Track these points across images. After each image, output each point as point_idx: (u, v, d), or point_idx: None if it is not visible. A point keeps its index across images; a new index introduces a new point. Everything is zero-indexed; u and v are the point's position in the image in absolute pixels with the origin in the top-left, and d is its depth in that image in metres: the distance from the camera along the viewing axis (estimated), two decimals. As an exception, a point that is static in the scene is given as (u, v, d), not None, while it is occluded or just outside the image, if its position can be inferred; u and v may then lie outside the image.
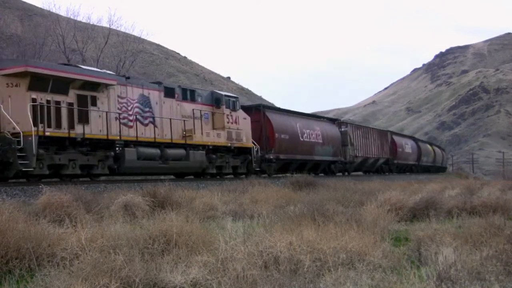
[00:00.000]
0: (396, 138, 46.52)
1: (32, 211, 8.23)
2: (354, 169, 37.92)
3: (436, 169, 62.80)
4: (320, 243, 5.55)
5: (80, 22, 39.42)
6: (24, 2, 57.48)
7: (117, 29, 42.01)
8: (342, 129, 35.41)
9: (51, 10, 40.21)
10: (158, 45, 70.92)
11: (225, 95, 23.99)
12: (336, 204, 9.23)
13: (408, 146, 48.91)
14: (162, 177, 20.29)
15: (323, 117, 40.22)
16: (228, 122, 23.12)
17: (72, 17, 39.00)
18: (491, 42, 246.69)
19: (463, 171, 71.81)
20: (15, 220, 6.25)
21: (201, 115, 21.70)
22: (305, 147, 29.28)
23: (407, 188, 16.91)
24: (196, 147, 21.16)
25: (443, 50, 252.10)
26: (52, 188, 9.28)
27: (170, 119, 20.03)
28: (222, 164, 22.96)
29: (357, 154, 36.46)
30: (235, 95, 26.09)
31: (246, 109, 26.55)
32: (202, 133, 21.54)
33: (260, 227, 6.99)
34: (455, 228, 7.42)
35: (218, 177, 22.96)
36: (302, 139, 29.10)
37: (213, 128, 22.41)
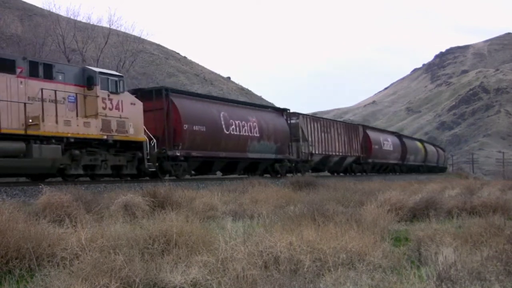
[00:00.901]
0: (371, 133, 40.39)
1: (32, 211, 8.23)
2: (313, 169, 32.21)
3: (429, 169, 57.36)
4: (320, 243, 5.55)
5: (80, 22, 39.43)
6: (24, 2, 57.46)
7: (117, 29, 42.04)
8: (292, 121, 29.20)
9: (51, 10, 40.24)
10: (158, 45, 70.91)
11: (101, 72, 18.15)
12: (336, 204, 9.23)
13: (388, 143, 42.97)
14: (165, 177, 20.27)
15: (267, 107, 33.49)
16: (104, 108, 17.63)
17: (72, 17, 39.03)
18: (491, 42, 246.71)
19: (463, 171, 71.60)
20: (15, 220, 6.25)
21: (57, 97, 16.28)
22: (233, 142, 23.39)
23: (407, 188, 16.91)
24: (46, 139, 15.87)
25: (443, 50, 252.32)
26: (52, 188, 9.28)
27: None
28: (95, 163, 17.68)
29: (314, 151, 30.58)
30: (118, 74, 19.65)
31: (145, 93, 21.38)
32: (57, 121, 16.07)
33: (260, 227, 6.99)
34: (455, 228, 7.42)
35: (89, 179, 18.22)
36: (227, 132, 23.06)
37: (81, 116, 17.07)
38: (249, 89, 77.34)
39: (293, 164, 28.62)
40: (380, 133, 44.67)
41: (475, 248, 5.69)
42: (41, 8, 46.89)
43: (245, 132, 24.35)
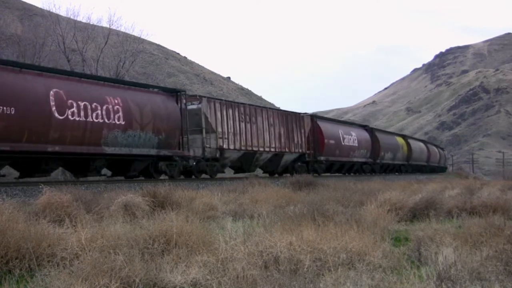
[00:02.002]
0: (324, 125, 32.60)
1: (32, 211, 8.23)
2: (236, 169, 26.73)
3: (418, 168, 51.23)
4: (320, 243, 5.55)
5: (80, 22, 39.41)
6: (24, 2, 57.46)
7: (117, 29, 42.00)
8: (191, 107, 22.11)
9: (51, 10, 40.14)
10: (158, 45, 70.93)
11: None
12: (336, 204, 9.23)
13: (350, 138, 35.05)
14: (162, 177, 20.27)
15: (147, 85, 22.79)
16: None
17: (72, 17, 38.97)
18: (491, 42, 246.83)
19: (463, 171, 71.45)
20: (15, 220, 6.25)
21: None
22: (74, 132, 16.49)
23: (407, 188, 16.91)
24: None
25: (443, 50, 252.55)
26: (52, 188, 9.27)
27: None
28: None
29: (227, 146, 23.34)
30: None
31: None
32: None
33: (260, 227, 6.99)
34: (455, 228, 7.42)
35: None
36: (62, 117, 16.12)
37: None
38: (249, 89, 77.37)
39: (194, 163, 21.95)
40: (339, 125, 36.40)
41: (475, 248, 5.69)
42: (41, 8, 46.86)
43: (97, 118, 17.25)
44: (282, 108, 36.27)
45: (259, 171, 29.80)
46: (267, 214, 8.63)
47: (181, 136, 21.00)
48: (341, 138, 33.88)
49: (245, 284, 4.55)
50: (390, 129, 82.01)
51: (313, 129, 30.89)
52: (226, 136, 23.47)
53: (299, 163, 29.20)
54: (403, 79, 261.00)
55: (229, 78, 79.34)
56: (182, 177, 21.48)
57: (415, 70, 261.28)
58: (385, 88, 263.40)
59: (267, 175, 28.65)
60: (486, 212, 8.96)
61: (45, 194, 8.76)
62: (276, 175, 28.26)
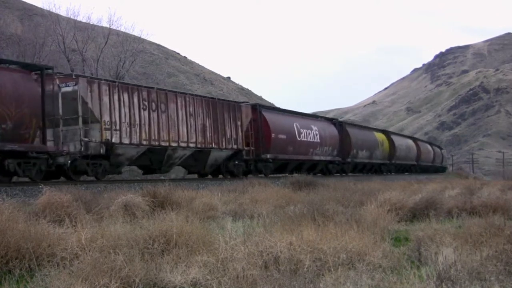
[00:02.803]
0: (271, 116, 26.99)
1: (32, 211, 8.23)
2: (146, 170, 21.88)
3: (406, 168, 47.52)
4: (320, 243, 5.55)
5: (80, 22, 39.41)
6: (24, 2, 57.46)
7: (117, 29, 42.01)
8: (66, 89, 17.16)
9: (51, 10, 40.16)
10: (158, 45, 70.92)
11: None
12: (336, 204, 9.23)
13: (310, 133, 29.70)
14: (162, 177, 20.28)
15: None
16: None
17: (72, 17, 38.99)
18: (491, 42, 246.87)
19: (463, 171, 71.37)
20: (15, 220, 6.25)
21: None
22: None
23: (407, 188, 16.92)
24: None
25: (443, 50, 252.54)
26: (52, 188, 9.28)
27: None
28: None
29: (117, 140, 18.27)
30: None
31: None
32: None
33: (260, 227, 6.99)
34: (455, 228, 7.42)
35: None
36: None
37: None
38: (249, 89, 77.37)
39: (68, 161, 17.35)
40: (294, 118, 30.13)
41: (475, 248, 5.69)
42: (41, 8, 46.85)
43: None
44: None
45: (179, 172, 26.42)
46: (267, 214, 8.63)
47: (43, 126, 16.14)
48: (296, 133, 28.30)
49: (245, 284, 4.55)
50: (390, 129, 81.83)
51: (257, 122, 25.67)
52: (117, 127, 18.27)
53: (236, 162, 24.22)
54: (403, 79, 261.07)
55: (229, 78, 79.33)
56: (66, 178, 17.52)
57: (415, 70, 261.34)
58: (385, 88, 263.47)
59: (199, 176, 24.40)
60: (486, 212, 8.96)
61: (45, 194, 8.76)
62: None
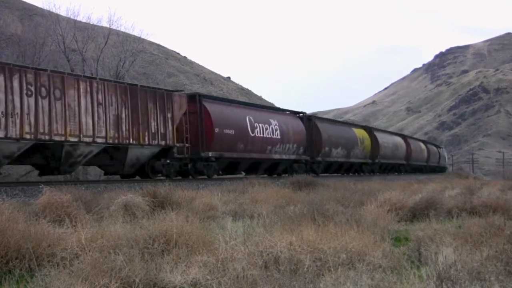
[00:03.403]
0: (214, 108, 22.95)
1: (32, 211, 8.23)
2: (38, 168, 17.69)
3: (394, 168, 44.55)
4: (320, 243, 5.55)
5: (80, 22, 39.40)
6: (24, 2, 57.46)
7: (117, 29, 42.00)
8: None
9: (51, 10, 40.15)
10: (158, 45, 70.93)
11: None
12: (336, 204, 9.23)
13: (268, 128, 25.88)
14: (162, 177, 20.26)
15: None
16: None
17: (72, 17, 38.97)
18: (491, 42, 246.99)
19: (463, 171, 71.30)
20: (15, 220, 6.25)
21: None
22: None
23: (407, 188, 16.92)
24: None
25: (443, 50, 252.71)
26: (52, 188, 9.28)
27: None
28: None
29: None
30: None
31: None
32: None
33: (260, 227, 6.99)
34: (455, 228, 7.42)
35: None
36: None
37: None
38: (249, 89, 77.37)
39: None
40: (247, 110, 25.89)
41: (475, 248, 5.69)
42: (41, 8, 46.85)
43: None
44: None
45: (93, 172, 22.69)
46: (267, 214, 8.63)
47: None
48: (249, 127, 24.49)
49: (245, 284, 4.55)
50: (390, 129, 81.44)
51: (196, 114, 21.98)
52: None
53: (167, 161, 20.57)
54: (403, 79, 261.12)
55: (229, 78, 79.34)
56: None
57: (415, 70, 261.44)
58: (385, 88, 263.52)
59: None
60: (486, 212, 8.96)
61: (45, 194, 8.76)
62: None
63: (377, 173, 39.21)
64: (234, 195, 13.30)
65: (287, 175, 26.90)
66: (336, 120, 40.31)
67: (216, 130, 22.39)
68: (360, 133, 37.37)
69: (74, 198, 9.02)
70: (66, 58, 35.02)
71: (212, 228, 7.42)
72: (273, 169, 27.93)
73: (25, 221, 6.51)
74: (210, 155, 22.19)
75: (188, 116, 21.44)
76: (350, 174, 36.91)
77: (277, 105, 61.03)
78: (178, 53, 76.92)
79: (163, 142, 19.85)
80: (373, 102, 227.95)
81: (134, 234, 5.94)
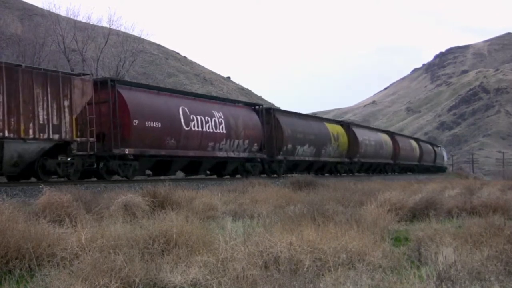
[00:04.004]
0: (132, 97, 19.28)
1: (32, 211, 8.23)
2: None
3: (379, 168, 41.24)
4: (320, 243, 5.55)
5: (80, 22, 39.42)
6: (24, 2, 57.49)
7: (117, 29, 42.05)
8: None
9: (51, 10, 40.20)
10: (158, 45, 70.98)
11: None
12: (336, 204, 9.23)
13: (209, 120, 21.97)
14: (162, 177, 20.23)
15: None
16: None
17: (72, 17, 39.02)
18: (491, 42, 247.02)
19: (463, 171, 71.11)
20: (15, 220, 6.25)
21: None
22: None
23: (407, 188, 16.92)
24: None
25: (443, 50, 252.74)
26: (52, 188, 9.28)
27: None
28: None
29: None
30: None
31: None
32: None
33: (260, 227, 6.99)
34: (455, 228, 7.42)
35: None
36: None
37: None
38: (249, 89, 77.39)
39: None
40: (181, 99, 21.76)
41: (475, 248, 5.69)
42: (41, 8, 46.88)
43: None
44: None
45: None
46: (267, 214, 8.63)
47: None
48: (182, 120, 20.59)
49: (245, 284, 4.55)
50: (390, 129, 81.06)
51: (108, 103, 18.40)
52: None
53: (68, 159, 17.19)
54: (403, 79, 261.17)
55: (229, 78, 79.37)
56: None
57: (415, 70, 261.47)
58: (385, 88, 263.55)
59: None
60: (486, 212, 8.96)
61: (45, 194, 8.76)
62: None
63: (356, 173, 35.85)
64: (234, 195, 13.30)
65: (239, 176, 24.03)
66: (304, 114, 33.31)
67: (135, 122, 18.58)
68: (334, 129, 33.20)
69: (74, 198, 9.02)
70: (66, 58, 35.05)
71: (212, 228, 7.42)
72: (220, 169, 24.02)
73: (25, 221, 6.51)
74: (126, 152, 18.51)
75: (99, 106, 18.04)
76: (326, 174, 32.71)
77: (277, 105, 60.98)
78: (178, 53, 76.99)
79: (56, 136, 16.35)
80: (373, 102, 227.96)
81: (134, 234, 5.94)
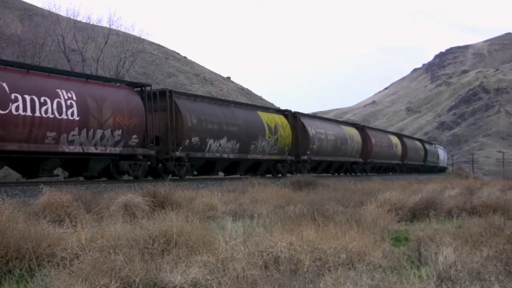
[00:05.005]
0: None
1: (32, 211, 8.23)
2: None
3: (346, 167, 34.40)
4: (320, 243, 5.55)
5: (80, 22, 39.40)
6: (24, 2, 57.48)
7: (117, 29, 42.01)
8: None
9: (51, 10, 40.14)
10: (158, 45, 70.97)
11: None
12: (336, 204, 9.23)
13: (47, 103, 15.64)
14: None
15: None
16: None
17: (72, 17, 38.97)
18: (491, 42, 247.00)
19: (463, 171, 70.88)
20: (15, 220, 6.25)
21: None
22: None
23: (407, 188, 16.92)
24: None
25: (443, 50, 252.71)
26: (52, 188, 9.27)
27: None
28: None
29: None
30: None
31: None
32: None
33: (260, 227, 6.99)
34: (455, 228, 7.42)
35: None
36: None
37: None
38: (249, 89, 77.39)
39: None
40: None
41: (475, 248, 5.69)
42: (41, 8, 46.87)
43: None
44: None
45: None
46: (267, 214, 8.63)
47: None
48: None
49: (245, 284, 4.55)
50: (390, 129, 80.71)
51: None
52: None
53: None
54: (403, 79, 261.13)
55: (229, 78, 79.35)
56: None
57: (415, 70, 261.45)
58: (385, 88, 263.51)
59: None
60: (486, 212, 8.96)
61: (45, 194, 8.75)
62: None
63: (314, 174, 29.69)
64: (234, 195, 13.30)
65: (105, 178, 18.71)
66: (220, 100, 26.43)
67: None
68: (271, 120, 26.00)
69: (74, 198, 9.01)
70: (66, 58, 35.03)
71: (212, 228, 7.42)
72: (77, 168, 18.01)
73: (25, 221, 6.50)
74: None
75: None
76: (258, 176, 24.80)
77: (277, 105, 60.93)
78: (178, 53, 76.98)
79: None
80: (373, 102, 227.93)
81: (134, 234, 5.94)
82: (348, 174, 34.91)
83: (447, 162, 76.50)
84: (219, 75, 76.29)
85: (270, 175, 26.03)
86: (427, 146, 54.56)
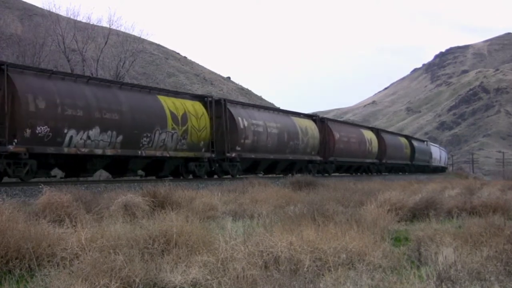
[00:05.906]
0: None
1: (32, 211, 8.22)
2: None
3: (295, 166, 27.93)
4: (320, 243, 5.55)
5: (80, 22, 39.41)
6: (24, 2, 57.50)
7: (117, 29, 42.02)
8: None
9: (51, 10, 40.17)
10: (158, 45, 70.98)
11: None
12: (336, 204, 9.22)
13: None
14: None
15: None
16: None
17: (72, 17, 38.99)
18: (491, 42, 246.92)
19: (463, 171, 70.76)
20: (15, 220, 6.24)
21: None
22: None
23: (407, 188, 16.92)
24: None
25: (443, 50, 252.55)
26: (52, 188, 9.27)
27: None
28: None
29: None
30: None
31: None
32: None
33: (260, 227, 6.98)
34: (455, 228, 7.42)
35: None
36: None
37: None
38: (249, 89, 77.39)
39: None
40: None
41: (475, 248, 5.69)
42: (41, 8, 46.87)
43: None
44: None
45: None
46: (267, 214, 8.63)
47: None
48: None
49: (245, 284, 4.55)
50: (390, 129, 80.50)
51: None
52: None
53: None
54: (403, 79, 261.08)
55: (229, 78, 79.36)
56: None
57: (415, 70, 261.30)
58: (385, 88, 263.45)
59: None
60: (486, 212, 8.96)
61: (45, 194, 8.75)
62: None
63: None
64: (234, 195, 13.29)
65: None
66: (102, 79, 21.12)
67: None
68: (185, 106, 21.17)
69: (74, 198, 9.01)
70: (66, 58, 35.04)
71: (212, 228, 7.42)
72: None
73: (25, 221, 6.50)
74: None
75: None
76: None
77: (277, 105, 60.95)
78: (178, 53, 77.01)
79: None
80: (373, 102, 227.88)
81: (134, 234, 5.93)
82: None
83: (447, 162, 76.02)
84: (219, 75, 76.30)
85: (182, 177, 21.19)
86: (415, 143, 49.04)
